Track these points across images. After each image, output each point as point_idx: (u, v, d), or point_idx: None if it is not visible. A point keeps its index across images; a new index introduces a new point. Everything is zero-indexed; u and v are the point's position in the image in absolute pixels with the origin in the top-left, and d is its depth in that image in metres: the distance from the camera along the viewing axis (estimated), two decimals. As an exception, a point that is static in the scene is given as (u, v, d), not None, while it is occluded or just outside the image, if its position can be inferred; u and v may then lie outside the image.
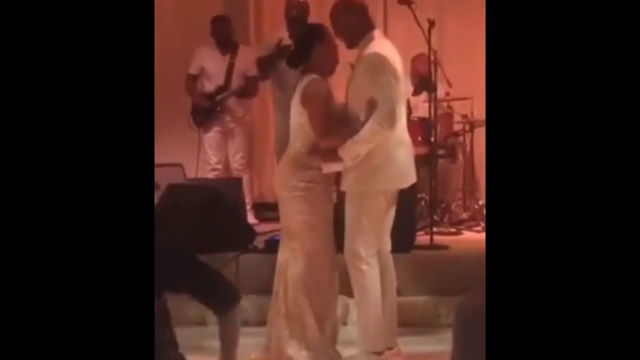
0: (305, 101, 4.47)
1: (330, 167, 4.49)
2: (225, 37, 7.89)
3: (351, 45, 4.56)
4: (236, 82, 7.79)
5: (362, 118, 4.38)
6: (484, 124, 8.00)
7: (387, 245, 4.69)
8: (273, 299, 4.65)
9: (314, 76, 4.50)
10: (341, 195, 4.69)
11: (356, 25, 4.52)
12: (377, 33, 4.55)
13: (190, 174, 7.89)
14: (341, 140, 4.39)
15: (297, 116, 4.54)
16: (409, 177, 4.61)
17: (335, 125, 4.46)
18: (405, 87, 4.69)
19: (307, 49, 4.57)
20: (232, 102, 7.84)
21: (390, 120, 4.33)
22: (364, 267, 4.45)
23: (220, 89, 7.80)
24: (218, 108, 7.80)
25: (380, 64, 4.37)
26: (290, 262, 4.54)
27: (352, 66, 4.52)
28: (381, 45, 4.48)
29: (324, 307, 4.56)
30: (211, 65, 7.86)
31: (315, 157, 4.48)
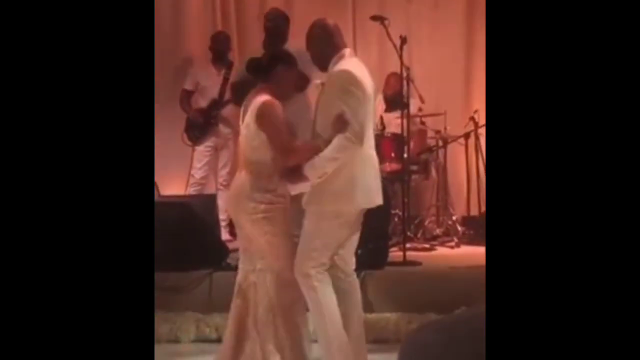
0: (262, 123, 4.43)
1: (297, 188, 4.39)
2: (223, 51, 8.00)
3: (323, 67, 4.56)
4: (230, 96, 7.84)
5: (329, 134, 4.35)
6: (457, 139, 8.07)
7: (351, 265, 4.66)
8: (232, 322, 4.58)
9: (267, 98, 4.48)
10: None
11: (326, 47, 4.54)
12: (348, 52, 4.56)
13: (180, 189, 7.92)
14: (304, 159, 4.37)
15: (251, 139, 4.49)
16: (375, 198, 4.56)
17: (297, 144, 4.45)
18: (376, 104, 4.66)
19: (269, 66, 4.58)
20: (227, 113, 7.89)
21: (359, 135, 4.31)
22: (315, 284, 4.41)
23: (215, 103, 7.85)
24: (213, 121, 7.87)
25: (349, 80, 4.36)
26: (258, 284, 4.48)
27: (323, 84, 4.52)
28: (350, 63, 4.48)
29: (296, 325, 4.52)
30: (206, 80, 7.94)
31: (276, 178, 4.42)
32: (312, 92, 4.60)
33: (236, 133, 7.99)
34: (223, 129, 7.93)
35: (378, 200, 4.55)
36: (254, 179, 4.45)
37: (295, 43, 6.48)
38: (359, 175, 4.41)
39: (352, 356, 4.49)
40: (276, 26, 6.92)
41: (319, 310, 4.42)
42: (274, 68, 4.54)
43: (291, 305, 4.48)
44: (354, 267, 4.67)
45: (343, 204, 4.40)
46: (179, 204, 6.70)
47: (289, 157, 4.38)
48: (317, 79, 4.56)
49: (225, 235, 7.42)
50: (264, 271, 4.46)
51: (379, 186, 4.57)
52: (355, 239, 4.62)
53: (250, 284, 4.49)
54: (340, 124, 4.27)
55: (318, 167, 4.30)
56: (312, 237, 4.40)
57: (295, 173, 4.36)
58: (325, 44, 4.55)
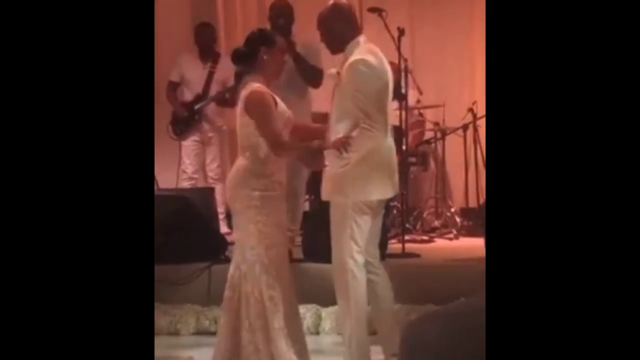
0: (250, 111, 4.44)
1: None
2: (208, 44, 7.94)
3: (336, 50, 4.53)
4: (214, 91, 7.78)
5: (350, 124, 4.33)
6: (455, 131, 8.07)
7: (377, 256, 4.66)
8: (226, 315, 4.57)
9: (256, 85, 4.48)
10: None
11: (342, 31, 4.49)
12: (363, 39, 4.52)
13: (171, 183, 7.90)
14: (291, 155, 4.39)
15: (243, 126, 4.49)
16: (394, 189, 4.56)
17: (285, 141, 4.46)
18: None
19: (252, 51, 4.57)
20: (210, 111, 7.85)
21: (383, 125, 4.30)
22: (349, 278, 4.37)
23: (199, 98, 7.80)
24: (196, 117, 7.81)
25: (367, 70, 4.34)
26: (248, 274, 4.47)
27: (339, 73, 4.47)
28: (368, 50, 4.44)
29: (288, 318, 4.50)
30: (191, 74, 7.88)
31: (272, 164, 4.44)
32: (327, 82, 4.57)
33: (220, 130, 7.99)
34: (206, 126, 7.88)
35: (396, 190, 4.57)
36: (249, 165, 4.46)
37: (300, 36, 6.49)
38: (384, 165, 4.41)
39: (368, 354, 4.48)
40: (287, 23, 6.83)
41: (349, 303, 4.39)
42: (256, 52, 4.53)
43: (284, 299, 4.45)
44: (378, 258, 4.67)
45: (368, 193, 4.38)
46: (177, 197, 6.71)
47: (277, 151, 4.40)
48: (332, 68, 4.53)
49: (223, 228, 7.42)
50: (254, 262, 4.43)
51: (397, 177, 4.58)
52: (376, 231, 4.60)
53: (241, 275, 4.47)
54: (364, 114, 4.25)
55: (343, 157, 4.26)
56: (344, 228, 4.38)
57: (315, 158, 4.33)
58: (342, 25, 4.49)
